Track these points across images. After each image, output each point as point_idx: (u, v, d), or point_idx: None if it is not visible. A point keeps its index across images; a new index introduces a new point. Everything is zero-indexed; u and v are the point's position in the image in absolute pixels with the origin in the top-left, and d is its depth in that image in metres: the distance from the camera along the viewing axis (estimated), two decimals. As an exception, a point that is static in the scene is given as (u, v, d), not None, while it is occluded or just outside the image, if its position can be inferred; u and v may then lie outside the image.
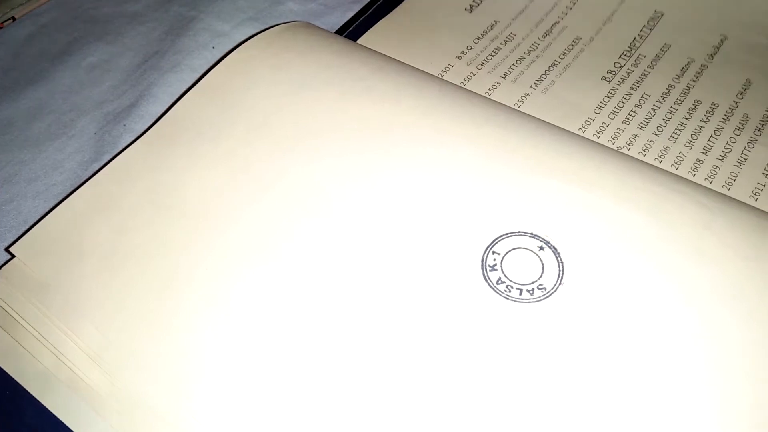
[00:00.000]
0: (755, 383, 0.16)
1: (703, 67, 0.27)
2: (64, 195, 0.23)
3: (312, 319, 0.18)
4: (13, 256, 0.20)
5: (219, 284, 0.19)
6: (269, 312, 0.18)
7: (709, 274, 0.18)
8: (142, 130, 0.25)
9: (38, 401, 0.18)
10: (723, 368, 0.16)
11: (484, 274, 0.18)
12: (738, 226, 0.19)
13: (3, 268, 0.20)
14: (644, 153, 0.24)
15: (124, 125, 0.29)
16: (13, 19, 0.34)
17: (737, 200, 0.20)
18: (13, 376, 0.19)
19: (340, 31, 0.31)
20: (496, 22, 0.30)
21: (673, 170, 0.23)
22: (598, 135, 0.25)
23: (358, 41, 0.30)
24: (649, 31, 0.29)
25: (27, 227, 0.24)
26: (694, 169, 0.23)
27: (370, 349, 0.17)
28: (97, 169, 0.24)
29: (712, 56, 0.27)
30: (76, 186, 0.23)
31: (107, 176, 0.22)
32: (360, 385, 0.17)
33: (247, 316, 0.18)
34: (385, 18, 0.31)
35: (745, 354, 0.16)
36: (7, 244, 0.24)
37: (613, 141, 0.25)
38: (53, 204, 0.23)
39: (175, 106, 0.24)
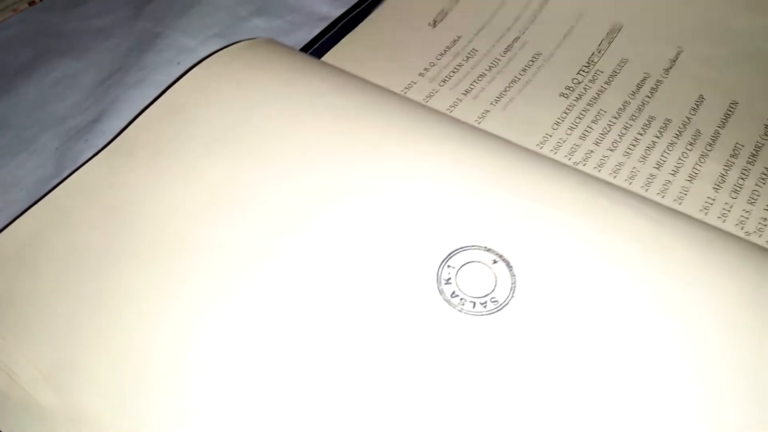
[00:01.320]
0: (699, 391, 0.16)
1: (659, 82, 0.28)
2: (21, 212, 0.22)
3: (263, 332, 0.18)
4: (-34, 274, 0.20)
5: (173, 301, 0.19)
6: (223, 326, 0.18)
7: (656, 285, 0.18)
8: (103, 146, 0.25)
9: (-11, 421, 0.18)
10: (666, 374, 0.17)
11: (438, 288, 0.18)
12: (685, 239, 0.19)
13: (-45, 285, 0.20)
14: (599, 168, 0.25)
15: (86, 140, 0.29)
16: (-23, 33, 0.34)
17: (685, 215, 0.21)
18: (-37, 395, 0.18)
19: (305, 48, 0.32)
20: (459, 37, 0.31)
21: (627, 185, 0.24)
22: (555, 150, 0.25)
23: (323, 58, 0.30)
24: (608, 45, 0.29)
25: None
26: (647, 184, 0.24)
27: (328, 361, 0.17)
28: (55, 185, 0.24)
29: (667, 70, 0.28)
30: (33, 202, 0.23)
31: (64, 192, 0.22)
32: (317, 397, 0.17)
33: (200, 331, 0.18)
34: (350, 34, 0.31)
35: (688, 364, 0.17)
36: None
37: (570, 156, 0.25)
38: (9, 221, 0.23)
39: (134, 121, 0.24)
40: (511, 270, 0.19)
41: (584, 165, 0.25)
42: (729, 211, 0.23)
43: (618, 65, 0.29)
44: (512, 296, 0.18)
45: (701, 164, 0.25)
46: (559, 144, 0.26)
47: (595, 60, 0.29)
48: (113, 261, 0.20)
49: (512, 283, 0.18)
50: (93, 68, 0.33)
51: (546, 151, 0.25)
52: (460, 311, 0.18)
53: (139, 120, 0.24)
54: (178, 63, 0.32)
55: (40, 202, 0.22)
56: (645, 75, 0.28)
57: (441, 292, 0.18)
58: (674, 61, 0.28)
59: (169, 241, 0.20)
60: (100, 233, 0.20)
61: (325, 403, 0.17)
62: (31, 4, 0.36)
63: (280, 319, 0.18)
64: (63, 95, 0.31)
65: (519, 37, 0.30)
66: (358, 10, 0.33)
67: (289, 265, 0.19)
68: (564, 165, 0.22)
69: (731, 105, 0.27)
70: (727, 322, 0.17)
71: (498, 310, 0.18)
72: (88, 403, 0.17)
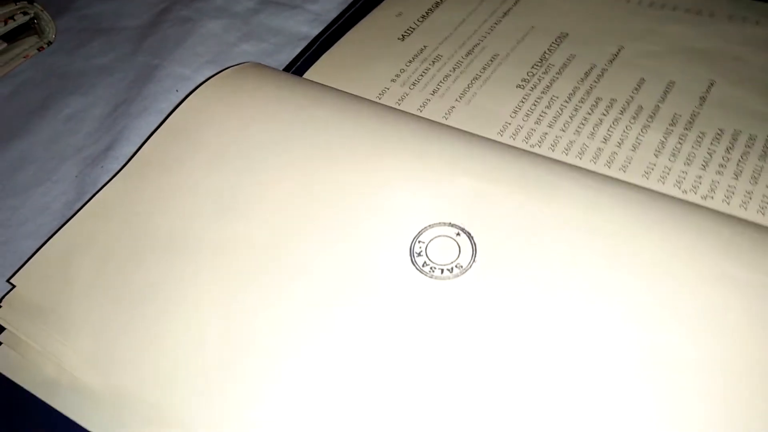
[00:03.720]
0: (633, 330, 0.20)
1: (604, 70, 0.31)
2: (53, 233, 0.26)
3: (269, 308, 0.21)
4: (13, 287, 0.24)
5: (188, 291, 0.22)
6: (230, 307, 0.21)
7: (593, 242, 0.21)
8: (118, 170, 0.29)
9: (46, 403, 0.21)
10: (606, 319, 0.20)
11: (412, 260, 0.22)
12: (620, 201, 0.22)
13: (6, 297, 0.24)
14: (553, 148, 0.28)
15: (102, 167, 0.32)
16: (-6, 81, 0.38)
17: (624, 181, 0.24)
18: (23, 386, 0.22)
19: (289, 67, 0.35)
20: (425, 46, 0.34)
21: (577, 160, 0.27)
22: (514, 136, 0.29)
23: (306, 74, 0.34)
24: (556, 46, 0.33)
25: (23, 263, 0.27)
26: (596, 157, 0.27)
27: (323, 323, 0.21)
28: (78, 207, 0.28)
29: (611, 62, 0.31)
30: (62, 224, 0.26)
31: (88, 212, 0.25)
32: (312, 356, 0.20)
33: (211, 314, 0.21)
34: (327, 52, 0.35)
35: (625, 307, 0.20)
36: (2, 287, 0.28)
37: (527, 140, 0.28)
38: (44, 241, 0.27)
39: (143, 147, 0.28)
40: (472, 240, 0.22)
41: (540, 147, 0.28)
42: (668, 173, 0.26)
43: (567, 59, 0.32)
44: (474, 261, 0.21)
45: (643, 134, 0.28)
46: (518, 130, 0.29)
47: (547, 56, 0.32)
48: (135, 263, 0.23)
49: (473, 251, 0.22)
50: (101, 102, 0.36)
51: (506, 137, 0.29)
52: (431, 278, 0.21)
53: (147, 144, 0.27)
54: (177, 90, 0.36)
55: (69, 222, 0.25)
56: (591, 65, 0.31)
57: (414, 263, 0.22)
58: (616, 54, 0.32)
59: (181, 243, 0.23)
60: (122, 242, 0.24)
61: (329, 354, 0.20)
62: (39, 49, 0.40)
63: (278, 291, 0.22)
64: (76, 129, 0.35)
65: (479, 43, 0.34)
66: (334, 27, 0.37)
67: (288, 253, 0.23)
68: (515, 148, 0.25)
69: (669, 84, 0.30)
70: (655, 268, 0.21)
71: (462, 274, 0.21)
72: (124, 379, 0.21)
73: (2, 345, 0.23)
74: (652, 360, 0.19)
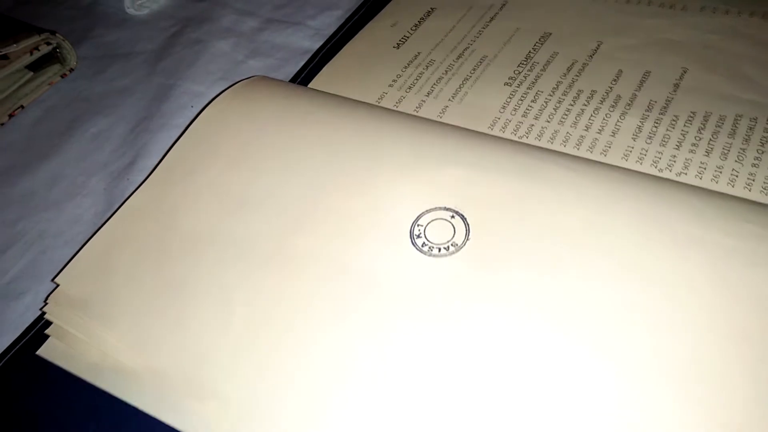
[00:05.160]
0: (611, 284, 0.22)
1: (585, 65, 0.33)
2: (88, 238, 0.29)
3: (284, 286, 0.24)
4: (57, 285, 0.27)
5: (210, 282, 0.25)
6: (245, 293, 0.24)
7: (572, 217, 0.24)
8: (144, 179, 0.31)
9: (93, 385, 0.24)
10: (582, 277, 0.22)
11: (412, 241, 0.24)
12: (600, 180, 0.25)
13: (51, 295, 0.27)
14: (539, 138, 0.30)
15: (128, 179, 0.35)
16: (22, 107, 0.41)
17: (601, 162, 0.26)
18: (71, 371, 0.25)
19: (293, 79, 0.38)
20: (419, 53, 0.37)
21: (561, 147, 0.30)
22: (504, 129, 0.31)
23: (309, 85, 0.37)
24: (540, 45, 0.35)
25: (62, 266, 0.30)
26: (579, 144, 0.30)
27: (333, 301, 0.23)
28: (110, 215, 0.31)
29: (591, 56, 0.34)
30: (96, 229, 0.29)
31: (120, 216, 0.28)
32: (325, 330, 0.23)
33: (236, 297, 0.24)
34: (329, 63, 0.38)
35: (605, 270, 0.22)
36: (46, 287, 0.31)
37: (515, 132, 0.31)
38: (80, 247, 0.29)
39: (166, 155, 0.30)
40: (465, 221, 0.24)
41: (528, 137, 0.30)
42: (645, 154, 0.29)
43: (550, 56, 0.34)
44: (468, 239, 0.24)
45: (621, 121, 0.30)
46: (507, 123, 0.31)
47: (532, 55, 0.35)
48: (166, 258, 0.26)
49: (467, 230, 0.24)
50: (122, 121, 0.39)
51: (496, 130, 0.31)
52: (429, 256, 0.24)
53: (170, 153, 0.30)
54: (192, 106, 0.39)
55: (104, 225, 0.28)
56: (573, 61, 0.34)
57: (414, 244, 0.24)
58: (596, 50, 0.34)
59: (205, 238, 0.26)
60: (153, 240, 0.27)
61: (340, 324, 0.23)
62: (63, 76, 0.43)
63: (294, 273, 0.24)
64: (101, 146, 0.38)
65: (468, 47, 0.36)
66: (334, 40, 0.40)
67: (302, 241, 0.25)
68: (503, 138, 0.28)
69: (645, 74, 0.32)
70: (631, 235, 0.23)
71: (458, 251, 0.24)
72: (162, 360, 0.23)
73: (51, 338, 0.26)
74: (631, 316, 0.21)
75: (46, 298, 0.27)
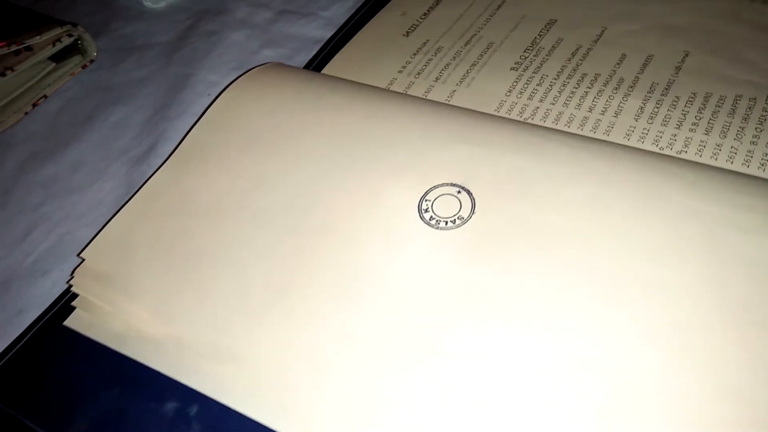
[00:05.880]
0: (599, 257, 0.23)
1: (589, 50, 0.34)
2: (110, 218, 0.30)
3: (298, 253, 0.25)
4: (83, 260, 0.28)
5: (227, 254, 0.26)
6: (261, 263, 0.25)
7: (578, 191, 0.25)
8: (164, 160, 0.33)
9: (117, 352, 0.25)
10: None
11: (420, 216, 0.25)
12: (601, 156, 0.26)
13: (77, 269, 0.28)
14: (544, 119, 0.31)
15: (147, 164, 0.36)
16: (45, 97, 0.43)
17: (599, 139, 0.27)
18: (97, 340, 0.26)
19: (306, 67, 0.39)
20: (427, 40, 0.38)
21: (565, 128, 0.30)
22: (510, 112, 0.32)
23: (321, 71, 0.38)
24: (546, 32, 0.36)
25: (85, 245, 0.31)
26: (582, 124, 0.31)
27: (345, 270, 0.24)
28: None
29: (595, 42, 0.35)
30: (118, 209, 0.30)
31: (142, 195, 0.30)
32: (339, 297, 0.24)
33: (247, 271, 0.25)
34: (340, 52, 0.39)
35: (599, 243, 0.23)
36: (71, 265, 0.32)
37: (521, 114, 0.32)
38: (102, 226, 0.31)
39: (184, 140, 0.32)
40: (471, 195, 0.25)
41: (533, 119, 0.31)
42: (647, 134, 0.29)
43: (556, 42, 0.35)
44: (473, 213, 0.25)
45: (624, 102, 0.31)
46: (513, 106, 0.32)
47: (537, 41, 0.36)
48: (185, 232, 0.27)
49: (473, 205, 0.25)
50: (141, 110, 0.41)
51: (503, 113, 0.32)
52: (437, 229, 0.25)
53: (189, 136, 0.31)
54: (208, 94, 0.40)
55: (126, 204, 0.29)
56: (578, 46, 0.35)
57: (422, 218, 0.25)
58: (600, 35, 0.35)
59: (223, 213, 0.27)
60: (173, 216, 0.28)
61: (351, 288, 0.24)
62: (83, 67, 0.44)
63: (307, 245, 0.25)
64: (121, 134, 0.39)
65: (476, 34, 0.37)
66: (345, 29, 0.41)
67: (316, 212, 0.26)
68: (508, 119, 0.29)
69: (648, 57, 0.33)
70: (630, 206, 0.24)
71: (464, 224, 0.25)
72: (182, 327, 0.25)
73: (77, 309, 0.27)
74: (628, 284, 0.22)
75: (72, 273, 0.28)
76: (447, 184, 0.26)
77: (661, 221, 0.23)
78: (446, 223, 0.25)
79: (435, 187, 0.26)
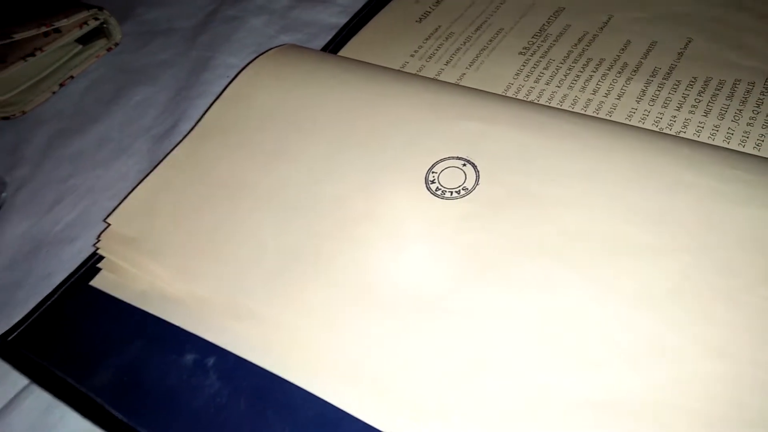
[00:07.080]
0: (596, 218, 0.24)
1: (595, 36, 0.36)
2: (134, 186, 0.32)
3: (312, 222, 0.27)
4: (109, 225, 0.30)
5: (244, 220, 0.28)
6: (276, 229, 0.27)
7: (577, 164, 0.26)
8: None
9: (142, 309, 0.27)
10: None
11: (427, 186, 0.27)
12: (600, 132, 0.27)
13: (103, 233, 0.30)
14: (550, 101, 0.32)
15: (169, 141, 0.38)
16: (72, 77, 0.44)
17: (601, 118, 0.29)
18: (123, 299, 0.28)
19: (322, 50, 0.41)
20: (439, 26, 0.39)
21: (570, 109, 0.32)
22: (516, 93, 0.33)
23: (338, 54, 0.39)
24: (554, 19, 0.37)
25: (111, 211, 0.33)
26: (586, 106, 0.32)
27: (355, 234, 0.26)
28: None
29: (602, 29, 0.36)
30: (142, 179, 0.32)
31: (165, 166, 0.31)
32: (347, 261, 0.25)
33: (263, 236, 0.27)
34: (355, 36, 0.40)
35: (605, 217, 0.25)
36: (96, 232, 0.34)
37: (527, 96, 0.33)
38: (127, 194, 0.32)
39: (204, 115, 0.33)
40: (475, 168, 0.27)
41: (538, 101, 0.33)
42: (647, 115, 0.31)
43: (563, 29, 0.37)
44: (477, 184, 0.26)
45: (627, 85, 0.32)
46: (520, 88, 0.34)
47: (545, 28, 0.37)
48: (205, 201, 0.29)
49: (477, 176, 0.27)
50: (164, 90, 0.42)
51: (510, 94, 0.33)
52: (443, 199, 0.26)
53: (209, 112, 0.33)
54: (228, 76, 0.41)
55: (150, 174, 0.31)
56: (584, 32, 0.36)
57: (429, 189, 0.27)
58: (606, 22, 0.36)
59: (240, 183, 0.29)
60: (193, 186, 0.29)
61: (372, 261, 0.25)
62: (108, 50, 0.46)
63: (321, 212, 0.27)
64: (145, 113, 0.41)
65: (486, 21, 0.39)
66: (360, 16, 0.42)
67: (328, 184, 0.28)
68: (513, 98, 0.30)
69: (652, 43, 0.34)
70: (626, 178, 0.25)
71: (468, 194, 0.26)
72: (203, 286, 0.26)
73: (102, 271, 0.29)
74: (624, 251, 0.23)
75: (98, 237, 0.30)
76: (453, 158, 0.27)
77: (656, 192, 0.25)
78: (451, 193, 0.26)
79: (441, 160, 0.27)
